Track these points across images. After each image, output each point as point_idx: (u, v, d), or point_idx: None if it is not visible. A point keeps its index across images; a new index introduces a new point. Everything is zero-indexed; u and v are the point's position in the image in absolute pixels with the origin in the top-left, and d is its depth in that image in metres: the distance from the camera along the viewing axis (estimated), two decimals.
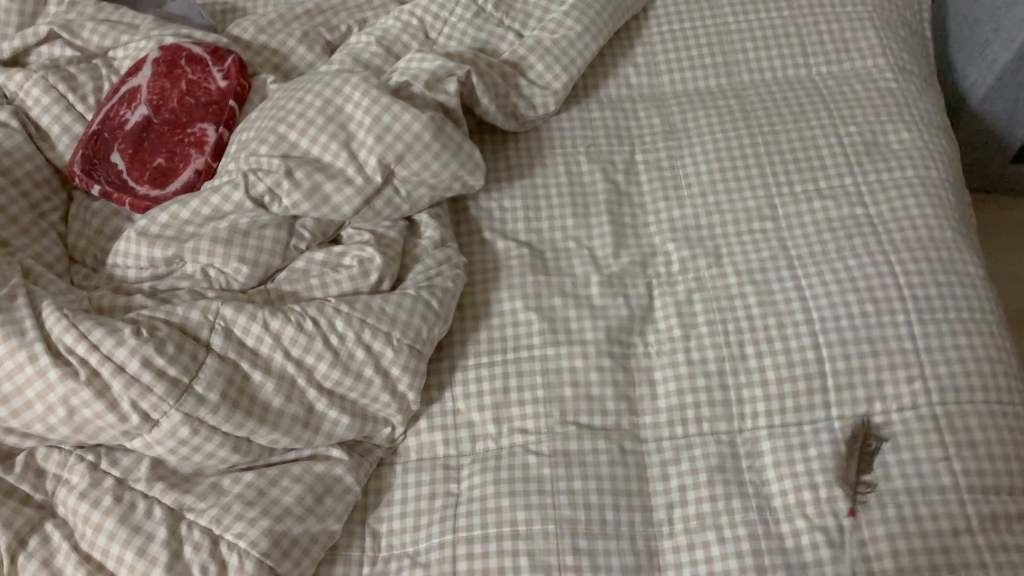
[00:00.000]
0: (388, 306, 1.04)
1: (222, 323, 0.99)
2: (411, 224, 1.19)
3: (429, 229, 1.17)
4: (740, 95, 1.35)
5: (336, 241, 1.16)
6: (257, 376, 0.98)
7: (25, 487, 0.93)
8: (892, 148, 1.27)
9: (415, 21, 1.31)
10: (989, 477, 1.00)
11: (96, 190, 1.13)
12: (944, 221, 1.20)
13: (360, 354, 1.01)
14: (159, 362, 0.92)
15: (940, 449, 1.01)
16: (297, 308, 1.01)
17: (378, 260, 1.08)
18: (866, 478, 0.99)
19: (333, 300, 1.03)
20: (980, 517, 0.97)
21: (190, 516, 0.94)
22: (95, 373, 0.91)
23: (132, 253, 1.07)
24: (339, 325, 1.01)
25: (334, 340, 1.01)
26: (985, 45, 1.45)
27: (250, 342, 0.99)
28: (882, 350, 1.09)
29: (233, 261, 1.06)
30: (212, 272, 1.07)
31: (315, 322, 1.00)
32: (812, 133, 1.29)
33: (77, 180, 1.13)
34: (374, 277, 1.08)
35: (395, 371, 1.03)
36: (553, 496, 1.01)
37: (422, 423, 1.09)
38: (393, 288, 1.11)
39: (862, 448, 1.01)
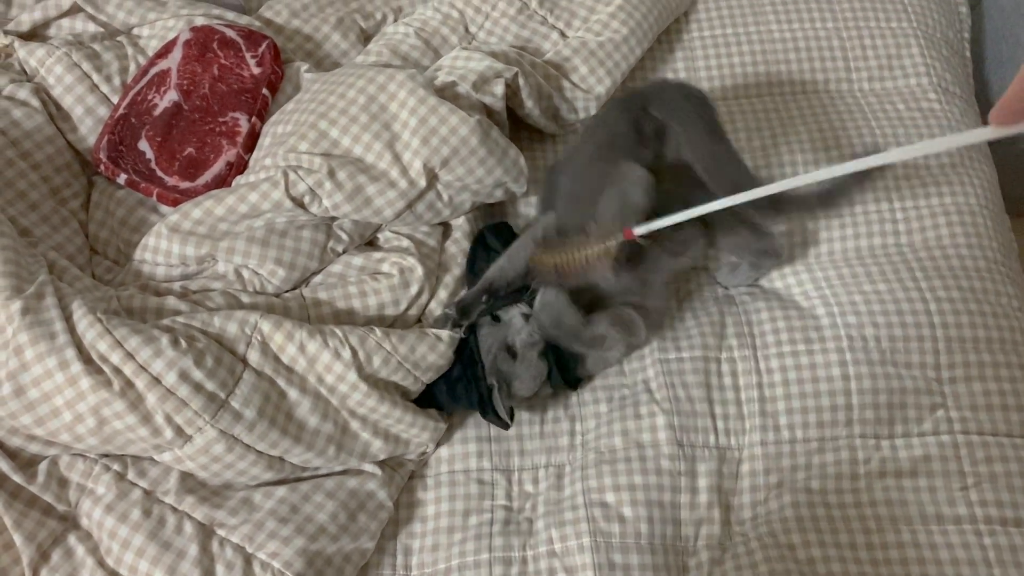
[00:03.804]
0: (432, 355, 1.00)
1: (259, 337, 0.94)
2: (445, 228, 1.14)
3: (460, 233, 1.13)
4: (780, 108, 1.32)
5: (372, 244, 1.11)
6: (293, 394, 0.94)
7: (48, 497, 0.89)
8: (932, 172, 1.25)
9: (455, 13, 1.25)
10: (1008, 509, 0.99)
11: (122, 179, 1.07)
12: (978, 251, 1.18)
13: (394, 390, 0.99)
14: (197, 375, 0.88)
15: (959, 479, 1.01)
16: (339, 332, 0.97)
17: (419, 272, 1.04)
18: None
19: (379, 332, 0.98)
20: (997, 548, 0.97)
21: (221, 532, 0.90)
22: (129, 384, 0.86)
23: (163, 249, 1.02)
24: (376, 362, 0.97)
25: (368, 371, 0.97)
26: None
27: (285, 360, 0.95)
28: (906, 375, 1.07)
29: (269, 263, 1.01)
30: (246, 273, 1.02)
31: (353, 353, 0.96)
32: (853, 152, 1.26)
33: (102, 167, 1.07)
34: (414, 289, 1.04)
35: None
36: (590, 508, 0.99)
37: (456, 435, 1.06)
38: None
39: None
